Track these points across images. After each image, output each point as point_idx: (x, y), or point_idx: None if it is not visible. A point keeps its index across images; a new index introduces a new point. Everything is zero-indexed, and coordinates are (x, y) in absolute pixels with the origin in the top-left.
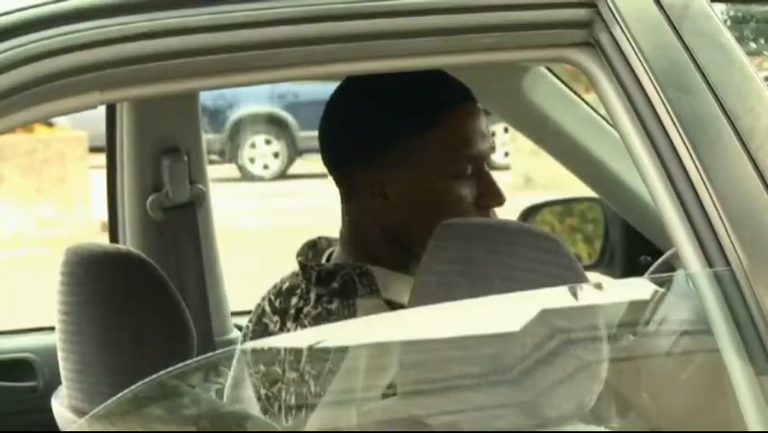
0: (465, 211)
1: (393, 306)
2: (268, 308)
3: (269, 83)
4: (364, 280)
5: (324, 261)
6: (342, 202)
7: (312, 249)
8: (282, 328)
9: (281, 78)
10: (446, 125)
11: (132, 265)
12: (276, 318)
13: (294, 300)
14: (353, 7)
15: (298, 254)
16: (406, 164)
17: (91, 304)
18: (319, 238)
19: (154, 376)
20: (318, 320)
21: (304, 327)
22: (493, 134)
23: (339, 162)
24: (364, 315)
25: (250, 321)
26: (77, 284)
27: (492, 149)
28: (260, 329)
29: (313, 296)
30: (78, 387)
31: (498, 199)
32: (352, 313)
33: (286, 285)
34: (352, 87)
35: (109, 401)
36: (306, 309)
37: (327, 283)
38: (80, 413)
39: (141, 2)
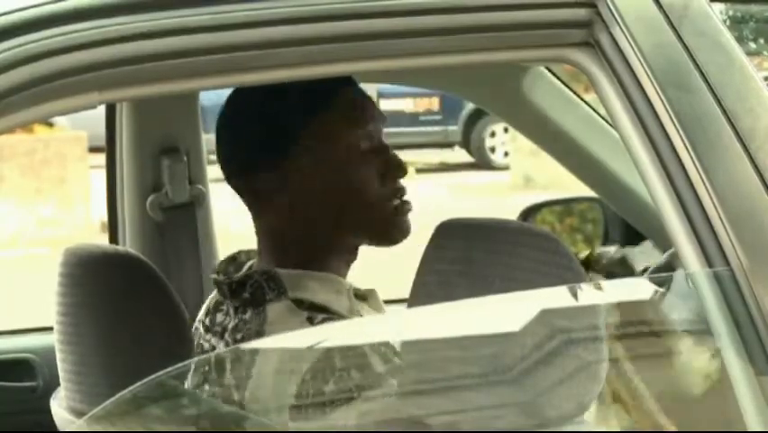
0: (372, 189)
1: (302, 304)
2: (201, 329)
3: (269, 83)
4: (272, 285)
5: (243, 273)
6: (252, 210)
7: (232, 263)
8: (214, 347)
9: (280, 78)
10: (332, 110)
11: (130, 266)
12: (208, 336)
13: (219, 317)
14: (352, 7)
15: (216, 271)
16: (304, 154)
17: (90, 305)
18: (239, 252)
19: (153, 376)
20: (236, 332)
21: (227, 343)
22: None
23: (242, 169)
24: (274, 318)
25: (196, 346)
26: (76, 285)
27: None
28: (199, 352)
29: (231, 309)
30: (77, 388)
31: (401, 170)
32: (262, 319)
33: (213, 302)
34: (238, 96)
35: (108, 402)
36: (229, 324)
37: (239, 294)
38: (79, 414)
39: (140, 2)
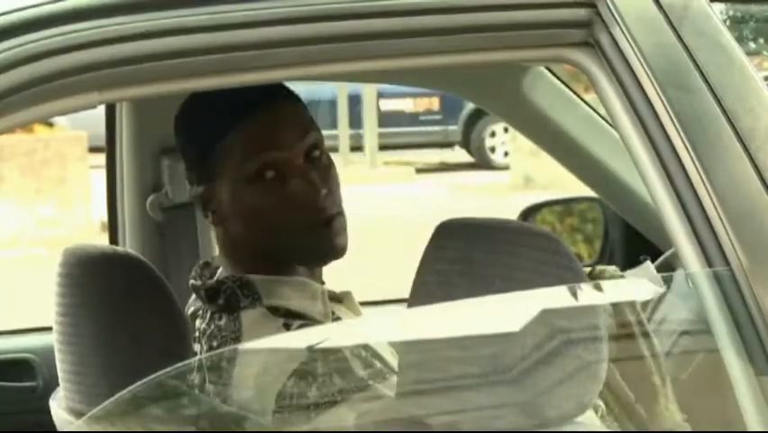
0: (282, 215)
1: (277, 311)
2: None
3: (266, 83)
4: (245, 291)
5: (215, 279)
6: None
7: (207, 269)
8: (195, 353)
9: (278, 78)
10: (240, 133)
11: (129, 266)
12: None
13: (197, 322)
14: (351, 7)
15: (191, 277)
16: (217, 175)
17: (88, 305)
18: (212, 258)
19: (153, 376)
20: (211, 338)
21: (202, 348)
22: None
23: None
24: (249, 326)
25: None
26: (75, 285)
27: (313, 147)
28: None
29: (208, 315)
30: (76, 389)
31: (314, 190)
32: (237, 326)
33: (191, 310)
34: (182, 106)
35: (107, 402)
36: (202, 327)
37: (215, 300)
38: (78, 415)
39: (139, 2)
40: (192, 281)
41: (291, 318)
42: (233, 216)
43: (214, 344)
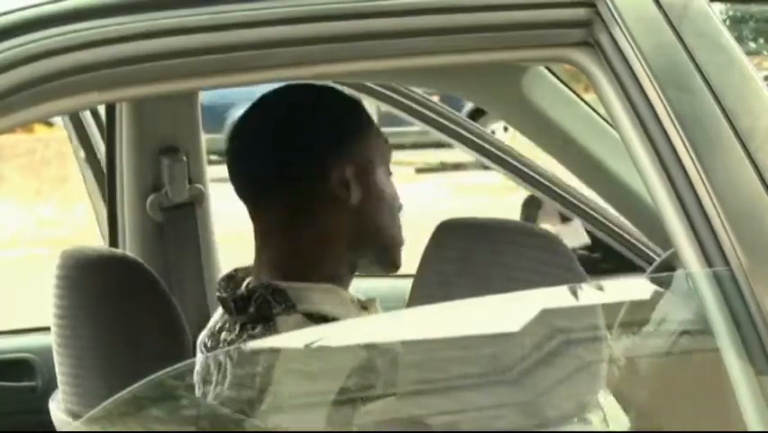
0: (391, 219)
1: (312, 317)
2: (204, 351)
3: (267, 83)
4: (278, 297)
5: (244, 287)
6: (268, 225)
7: (231, 281)
8: (220, 363)
9: (279, 78)
10: (367, 140)
11: (127, 268)
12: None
13: (223, 335)
14: (351, 7)
15: (216, 290)
16: (341, 177)
17: (86, 307)
18: (236, 270)
19: (152, 376)
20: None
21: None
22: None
23: (271, 186)
24: (286, 331)
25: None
26: (73, 288)
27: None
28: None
29: (237, 326)
30: (75, 391)
31: (400, 205)
32: (274, 333)
33: (218, 325)
34: (269, 113)
35: (106, 402)
36: (229, 338)
37: (245, 310)
38: (77, 417)
39: (139, 2)
40: (218, 294)
41: (327, 324)
42: (376, 201)
43: None
